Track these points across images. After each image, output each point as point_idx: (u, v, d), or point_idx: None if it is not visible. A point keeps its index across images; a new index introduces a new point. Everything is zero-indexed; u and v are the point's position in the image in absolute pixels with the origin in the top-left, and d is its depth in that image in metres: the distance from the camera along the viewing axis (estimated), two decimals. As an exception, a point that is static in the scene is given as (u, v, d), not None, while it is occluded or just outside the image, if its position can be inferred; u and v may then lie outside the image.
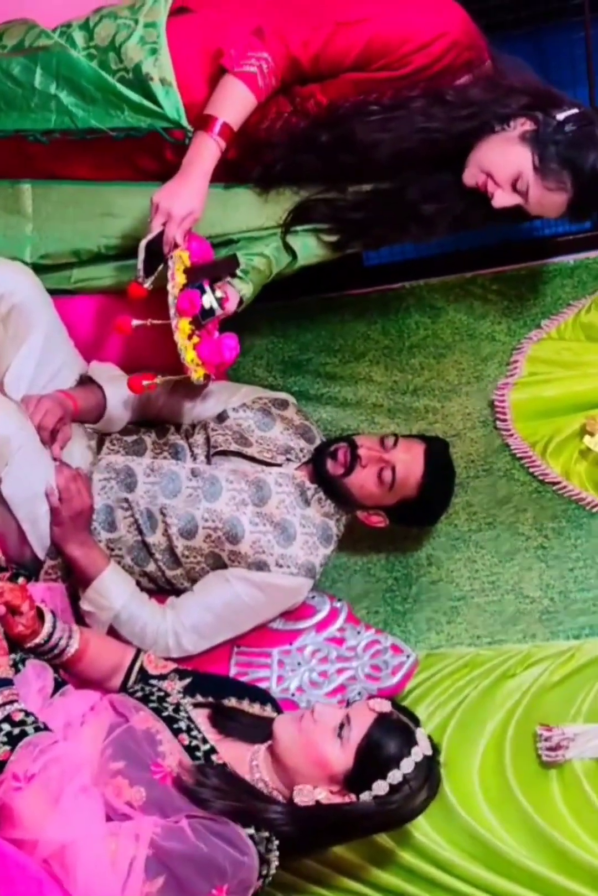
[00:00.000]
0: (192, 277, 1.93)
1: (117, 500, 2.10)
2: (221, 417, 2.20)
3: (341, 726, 1.70)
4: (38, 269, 2.12)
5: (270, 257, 2.11)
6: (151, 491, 2.10)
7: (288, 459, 2.17)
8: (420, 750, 1.71)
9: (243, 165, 2.05)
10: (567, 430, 2.45)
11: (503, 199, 1.97)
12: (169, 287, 1.91)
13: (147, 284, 1.93)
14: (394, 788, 1.69)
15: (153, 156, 2.07)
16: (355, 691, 2.11)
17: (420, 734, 1.73)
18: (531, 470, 2.43)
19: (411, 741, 1.71)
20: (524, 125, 1.96)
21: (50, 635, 1.78)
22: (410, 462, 2.12)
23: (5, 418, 1.94)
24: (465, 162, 1.99)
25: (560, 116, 1.96)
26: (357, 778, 1.69)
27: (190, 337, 1.93)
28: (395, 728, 1.72)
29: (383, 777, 1.68)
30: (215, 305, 1.96)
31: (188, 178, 1.90)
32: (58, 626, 1.80)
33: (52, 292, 2.15)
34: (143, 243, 1.91)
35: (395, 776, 1.68)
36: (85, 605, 2.05)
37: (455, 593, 2.34)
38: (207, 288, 1.96)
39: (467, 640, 2.28)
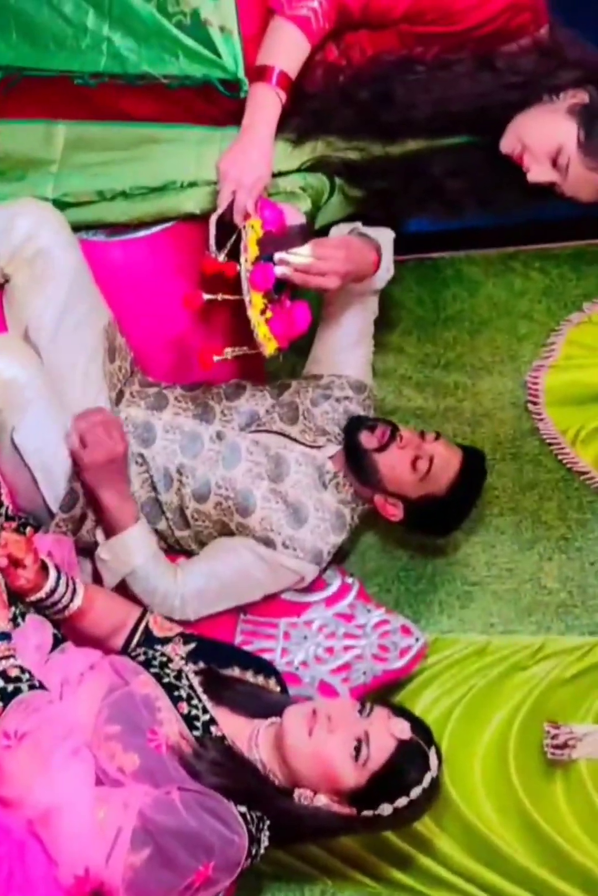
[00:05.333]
0: (264, 248, 1.85)
1: (133, 454, 2.05)
2: (282, 388, 2.14)
3: (359, 745, 1.62)
4: (59, 206, 2.06)
5: (319, 180, 2.05)
6: (170, 448, 2.05)
7: (329, 441, 2.11)
8: (430, 775, 1.65)
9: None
10: (602, 419, 2.39)
11: (539, 173, 1.88)
12: (241, 260, 1.84)
13: (221, 258, 1.87)
14: (398, 812, 1.65)
15: (205, 101, 1.99)
16: (361, 670, 2.08)
17: (432, 756, 1.67)
18: (560, 457, 2.38)
19: (424, 768, 1.65)
20: (573, 98, 1.87)
21: (53, 591, 1.74)
22: (448, 458, 2.05)
23: (22, 365, 1.90)
24: (501, 133, 1.90)
25: None
26: (364, 798, 1.64)
27: (263, 312, 1.86)
28: (414, 758, 1.65)
29: (391, 802, 1.63)
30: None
31: (253, 140, 1.83)
32: (61, 582, 1.76)
33: (78, 229, 2.09)
34: (214, 217, 1.85)
35: (402, 802, 1.64)
36: (103, 554, 2.01)
37: (471, 577, 2.29)
38: None
39: (479, 627, 2.24)
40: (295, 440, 2.07)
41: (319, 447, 2.09)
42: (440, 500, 2.05)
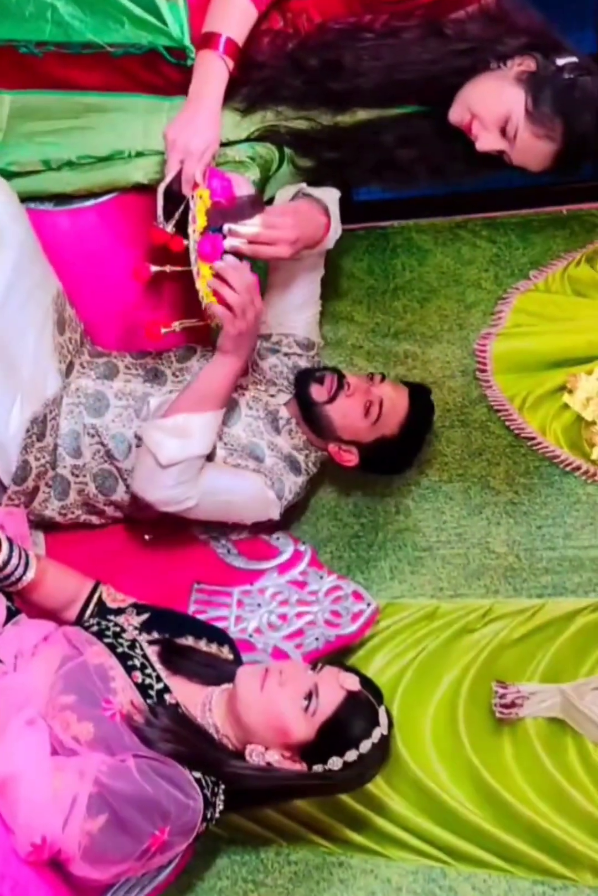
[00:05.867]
0: (213, 219, 1.84)
1: (84, 426, 2.05)
2: None
3: (309, 696, 1.66)
4: (6, 175, 2.04)
5: (267, 150, 2.05)
6: (124, 415, 2.05)
7: (280, 391, 2.13)
8: (380, 730, 1.69)
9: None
10: (548, 385, 2.43)
11: (487, 142, 1.88)
12: (190, 230, 1.82)
13: (168, 229, 1.86)
14: (347, 766, 1.67)
15: (150, 70, 1.97)
16: (314, 636, 2.10)
17: (382, 713, 1.71)
18: (508, 424, 2.41)
19: (373, 722, 1.68)
20: (520, 65, 1.87)
21: (5, 563, 1.74)
22: (396, 399, 2.09)
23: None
24: (451, 102, 1.91)
25: (560, 62, 1.86)
26: (314, 751, 1.67)
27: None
28: (362, 709, 1.68)
29: (340, 755, 1.66)
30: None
31: (201, 108, 1.81)
32: (14, 554, 1.76)
33: (24, 199, 2.06)
34: (161, 187, 1.83)
35: (351, 756, 1.67)
36: (167, 424, 1.89)
37: (421, 543, 2.32)
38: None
39: (429, 592, 2.27)
40: (246, 388, 2.09)
41: (271, 396, 2.12)
42: (393, 441, 2.09)
